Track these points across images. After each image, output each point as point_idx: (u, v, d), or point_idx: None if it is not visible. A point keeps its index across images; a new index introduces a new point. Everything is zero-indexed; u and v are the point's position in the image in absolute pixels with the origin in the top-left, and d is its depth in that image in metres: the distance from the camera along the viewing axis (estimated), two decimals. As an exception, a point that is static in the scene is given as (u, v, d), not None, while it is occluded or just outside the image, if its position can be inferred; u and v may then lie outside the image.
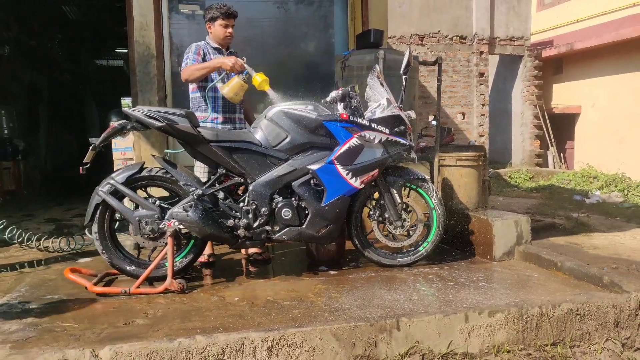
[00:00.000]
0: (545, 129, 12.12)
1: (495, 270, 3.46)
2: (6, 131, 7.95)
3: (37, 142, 9.98)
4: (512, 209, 5.59)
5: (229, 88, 3.34)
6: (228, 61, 3.36)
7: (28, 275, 3.43)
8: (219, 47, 3.68)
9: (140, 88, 5.01)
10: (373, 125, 3.26)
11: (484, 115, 11.42)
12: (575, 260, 3.34)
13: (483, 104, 11.38)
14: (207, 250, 3.55)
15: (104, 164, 4.46)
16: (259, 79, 3.32)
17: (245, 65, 3.37)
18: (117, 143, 5.33)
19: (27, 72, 9.69)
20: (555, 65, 12.61)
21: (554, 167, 12.06)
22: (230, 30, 3.65)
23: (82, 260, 3.81)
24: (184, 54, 3.63)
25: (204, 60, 3.55)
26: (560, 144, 12.46)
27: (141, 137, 4.93)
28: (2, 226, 4.20)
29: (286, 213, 3.16)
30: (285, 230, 3.19)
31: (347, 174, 3.20)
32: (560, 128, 12.30)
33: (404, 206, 3.50)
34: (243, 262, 3.75)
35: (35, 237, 4.17)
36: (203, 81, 3.58)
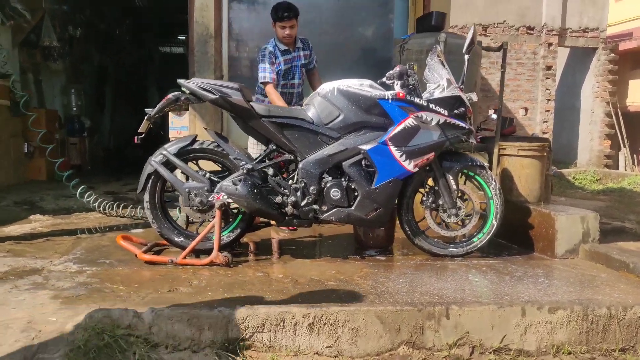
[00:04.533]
0: (617, 128, 11.37)
1: (556, 267, 3.24)
2: (74, 109, 8.34)
3: (102, 120, 10.42)
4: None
5: None
6: None
7: (84, 241, 3.55)
8: (286, 48, 3.88)
9: (198, 68, 5.07)
10: (431, 105, 3.11)
11: (549, 111, 10.84)
12: (651, 262, 3.06)
13: (549, 99, 10.80)
14: None
15: (162, 142, 4.60)
16: None
17: None
18: (174, 122, 5.41)
19: (96, 54, 10.11)
20: (634, 60, 11.76)
21: (625, 170, 11.31)
22: (287, 31, 3.80)
23: (134, 231, 3.91)
24: (258, 58, 3.85)
25: (275, 64, 3.85)
26: (634, 144, 11.65)
27: (197, 116, 5.00)
28: (83, 190, 4.50)
29: (335, 193, 3.08)
30: (333, 210, 3.11)
31: (401, 155, 3.07)
32: (634, 128, 11.50)
33: (460, 194, 3.33)
34: (290, 242, 3.71)
35: (107, 204, 4.51)
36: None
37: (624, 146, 11.48)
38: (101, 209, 4.44)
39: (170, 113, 5.10)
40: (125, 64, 12.20)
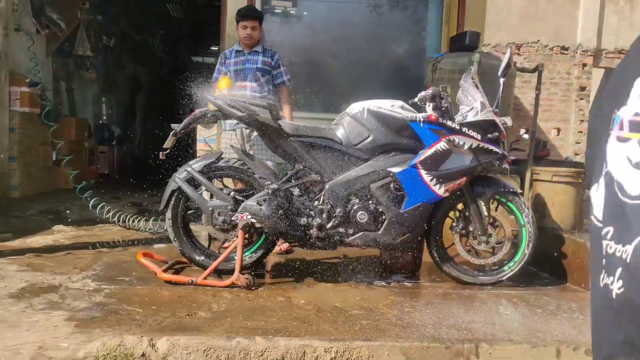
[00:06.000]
0: (653, 152, 10.98)
1: (591, 301, 3.06)
2: (105, 117, 8.45)
3: (132, 129, 10.54)
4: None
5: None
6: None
7: (106, 255, 3.51)
8: (240, 49, 3.92)
9: (227, 81, 5.04)
10: (463, 129, 2.99)
11: (582, 132, 10.52)
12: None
13: (582, 120, 10.48)
14: None
15: (190, 154, 4.57)
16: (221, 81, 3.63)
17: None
18: (202, 134, 5.41)
19: (130, 64, 10.27)
20: (671, 83, 11.40)
21: (661, 194, 10.91)
22: (248, 31, 3.80)
23: (157, 246, 3.86)
24: None
25: (224, 65, 3.95)
26: (670, 169, 11.24)
27: (224, 129, 4.96)
28: (95, 202, 4.48)
29: (362, 216, 2.98)
30: (359, 234, 3.01)
31: (431, 180, 2.96)
32: (671, 152, 11.11)
33: (491, 220, 3.19)
34: (313, 263, 3.62)
35: (119, 215, 4.44)
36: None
37: (661, 170, 11.08)
38: (118, 221, 4.39)
39: (198, 125, 5.10)
40: (158, 74, 12.36)
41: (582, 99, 10.46)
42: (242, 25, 3.82)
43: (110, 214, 4.41)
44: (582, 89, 10.42)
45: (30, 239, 3.81)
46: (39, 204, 5.31)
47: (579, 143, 10.54)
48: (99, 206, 4.46)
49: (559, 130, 10.56)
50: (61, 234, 4.10)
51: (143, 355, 1.87)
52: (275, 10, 5.33)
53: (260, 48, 3.92)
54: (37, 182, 6.06)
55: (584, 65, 10.40)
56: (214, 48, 15.02)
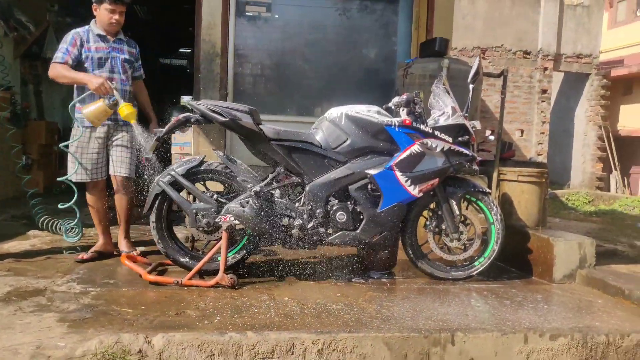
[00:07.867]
0: (609, 152, 11.55)
1: (554, 292, 3.29)
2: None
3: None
4: (571, 232, 5.31)
5: (91, 111, 3.17)
6: (95, 81, 3.19)
7: (86, 259, 3.52)
8: (103, 33, 3.41)
9: (204, 85, 5.11)
10: (436, 133, 3.17)
11: (543, 133, 11.00)
12: (647, 290, 3.12)
13: (544, 122, 10.97)
14: None
15: (162, 158, 4.59)
16: (126, 111, 3.20)
17: (115, 92, 3.23)
18: (177, 138, 5.43)
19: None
20: (625, 86, 12.01)
21: (617, 192, 11.47)
22: (116, 17, 3.36)
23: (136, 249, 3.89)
24: (61, 43, 3.39)
25: (80, 49, 3.34)
26: (625, 168, 11.83)
27: (200, 133, 5.02)
28: (40, 210, 4.34)
29: (341, 216, 3.12)
30: (338, 234, 3.15)
31: (406, 181, 3.13)
32: (625, 151, 11.70)
33: (462, 218, 3.38)
34: (294, 262, 3.73)
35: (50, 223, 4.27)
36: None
37: (615, 169, 11.65)
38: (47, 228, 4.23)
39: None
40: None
41: (543, 101, 10.95)
42: (107, 8, 3.31)
43: (45, 220, 4.28)
44: (544, 91, 10.91)
45: (8, 245, 3.78)
46: (11, 209, 5.24)
47: (541, 144, 11.02)
48: (38, 215, 4.34)
49: (522, 131, 11.01)
50: (37, 238, 4.07)
51: (139, 351, 1.95)
52: (247, 14, 5.40)
53: (122, 35, 3.52)
54: (7, 187, 5.96)
55: (545, 69, 10.91)
56: (182, 50, 14.91)
